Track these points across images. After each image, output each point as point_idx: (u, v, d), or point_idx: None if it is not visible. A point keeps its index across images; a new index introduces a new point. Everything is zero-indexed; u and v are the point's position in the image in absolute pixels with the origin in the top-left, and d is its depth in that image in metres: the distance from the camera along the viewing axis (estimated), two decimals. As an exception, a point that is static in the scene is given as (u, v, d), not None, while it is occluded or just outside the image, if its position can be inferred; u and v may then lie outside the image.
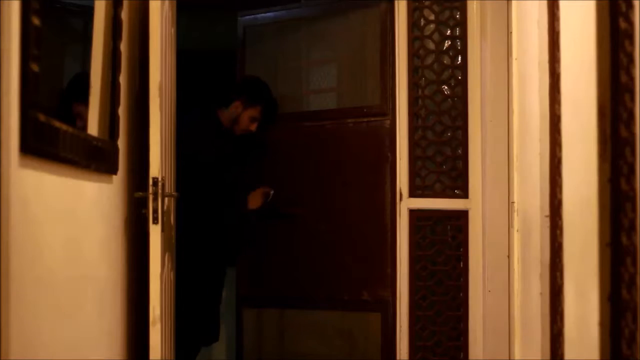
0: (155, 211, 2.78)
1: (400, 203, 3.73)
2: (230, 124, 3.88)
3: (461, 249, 3.73)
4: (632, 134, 1.43)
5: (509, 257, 3.53)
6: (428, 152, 3.76)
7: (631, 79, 1.43)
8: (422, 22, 3.77)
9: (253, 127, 3.91)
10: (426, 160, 3.76)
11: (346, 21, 4.12)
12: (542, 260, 2.38)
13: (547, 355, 2.29)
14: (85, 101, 2.38)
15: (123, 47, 2.63)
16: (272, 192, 3.96)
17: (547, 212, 2.29)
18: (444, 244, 3.75)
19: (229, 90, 3.95)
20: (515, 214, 2.92)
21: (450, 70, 3.76)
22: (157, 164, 2.79)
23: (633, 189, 1.43)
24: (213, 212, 3.70)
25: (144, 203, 2.82)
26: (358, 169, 3.96)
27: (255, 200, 3.92)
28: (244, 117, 3.89)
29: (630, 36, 1.43)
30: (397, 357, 3.71)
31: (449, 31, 3.77)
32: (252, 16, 4.34)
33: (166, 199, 2.89)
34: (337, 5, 4.14)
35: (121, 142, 2.65)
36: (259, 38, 4.33)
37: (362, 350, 3.97)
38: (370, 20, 4.00)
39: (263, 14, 4.34)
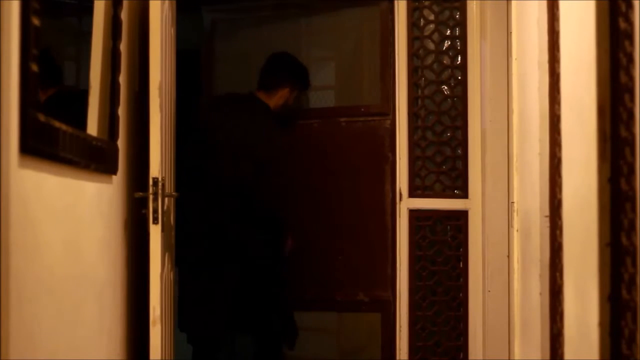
0: (155, 211, 2.79)
1: (400, 203, 3.73)
2: (275, 108, 3.83)
3: (461, 249, 3.73)
4: (632, 134, 1.43)
5: (508, 257, 3.53)
6: (428, 152, 3.76)
7: (631, 79, 1.43)
8: (422, 22, 3.77)
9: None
10: (426, 160, 3.76)
11: (340, 18, 4.10)
12: (542, 260, 2.38)
13: (547, 355, 2.29)
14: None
15: (123, 47, 2.63)
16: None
17: (546, 212, 2.29)
18: (444, 244, 3.75)
19: (275, 74, 3.83)
20: (515, 214, 2.92)
21: (450, 70, 3.76)
22: (157, 164, 2.79)
23: (633, 189, 1.43)
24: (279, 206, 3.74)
25: (144, 203, 2.83)
26: (358, 169, 3.95)
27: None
28: (287, 101, 3.86)
29: (630, 36, 1.43)
30: (397, 357, 3.72)
31: (448, 31, 3.77)
32: (224, 8, 4.22)
33: (166, 199, 2.89)
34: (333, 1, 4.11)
35: (121, 142, 2.65)
36: (232, 31, 4.22)
37: (363, 350, 3.97)
38: (369, 19, 4.00)
39: (237, 5, 4.22)
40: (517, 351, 2.94)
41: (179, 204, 3.24)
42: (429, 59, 3.77)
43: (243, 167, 3.59)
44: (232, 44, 4.22)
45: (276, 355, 3.77)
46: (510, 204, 3.49)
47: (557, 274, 2.10)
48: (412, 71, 3.75)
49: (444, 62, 3.77)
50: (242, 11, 4.26)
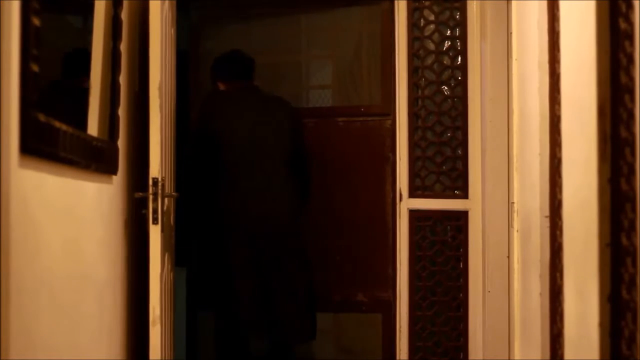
0: (155, 211, 2.79)
1: (400, 203, 3.73)
2: None
3: (461, 250, 3.73)
4: (632, 134, 1.43)
5: (509, 257, 3.53)
6: (428, 152, 3.76)
7: (631, 79, 1.43)
8: (422, 22, 3.77)
9: None
10: (426, 160, 3.76)
11: (340, 18, 4.09)
12: (542, 260, 2.38)
13: (547, 355, 2.29)
14: None
15: (123, 47, 2.63)
16: None
17: (547, 212, 2.29)
18: (444, 244, 3.75)
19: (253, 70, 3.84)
20: (515, 214, 2.92)
21: (450, 71, 3.76)
22: (157, 164, 2.79)
23: (633, 189, 1.43)
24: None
25: (144, 203, 2.83)
26: (359, 169, 3.95)
27: None
28: None
29: (630, 37, 1.43)
30: (397, 357, 3.72)
31: (449, 31, 3.77)
32: (212, 5, 4.15)
33: (166, 199, 2.89)
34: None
35: (121, 143, 2.65)
36: (220, 30, 4.17)
37: (364, 350, 3.97)
38: (369, 19, 3.99)
39: (228, 3, 4.16)
40: (517, 351, 2.94)
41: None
42: (429, 59, 3.77)
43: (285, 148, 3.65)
44: (221, 43, 4.16)
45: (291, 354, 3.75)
46: (510, 204, 3.49)
47: (557, 274, 2.10)
48: (413, 71, 3.75)
49: (444, 62, 3.77)
50: (233, 8, 4.20)
